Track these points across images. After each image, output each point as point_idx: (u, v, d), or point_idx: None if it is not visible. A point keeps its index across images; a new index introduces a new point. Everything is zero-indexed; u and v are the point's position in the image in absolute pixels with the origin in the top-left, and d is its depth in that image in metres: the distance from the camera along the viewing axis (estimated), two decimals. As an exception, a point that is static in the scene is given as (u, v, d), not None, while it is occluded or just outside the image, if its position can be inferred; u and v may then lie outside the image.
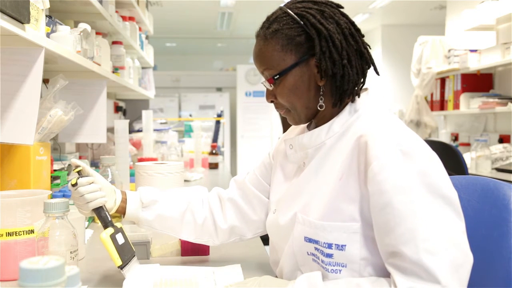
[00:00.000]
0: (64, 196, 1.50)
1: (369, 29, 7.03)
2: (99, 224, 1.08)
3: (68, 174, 1.78)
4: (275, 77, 1.00)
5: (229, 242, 1.22)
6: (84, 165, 1.10)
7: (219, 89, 8.56)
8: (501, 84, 3.99)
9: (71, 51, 1.53)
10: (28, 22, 1.14)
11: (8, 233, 1.06)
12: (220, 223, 1.20)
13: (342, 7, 1.03)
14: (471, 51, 3.98)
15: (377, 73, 1.03)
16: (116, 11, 2.40)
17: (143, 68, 3.52)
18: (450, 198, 0.86)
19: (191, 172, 3.10)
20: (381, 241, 0.88)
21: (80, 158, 2.21)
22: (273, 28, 0.99)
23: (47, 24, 1.44)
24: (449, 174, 0.92)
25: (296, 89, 0.99)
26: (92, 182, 1.07)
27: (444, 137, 4.59)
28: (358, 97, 1.01)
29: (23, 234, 1.07)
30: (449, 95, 4.27)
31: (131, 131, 3.32)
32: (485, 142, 3.54)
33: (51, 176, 1.60)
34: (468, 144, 4.19)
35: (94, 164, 2.54)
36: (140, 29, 3.16)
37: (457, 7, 4.60)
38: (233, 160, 8.23)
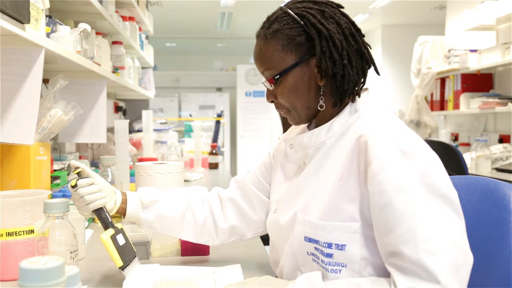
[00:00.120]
0: (64, 196, 1.50)
1: (369, 29, 7.03)
2: (99, 224, 1.08)
3: (68, 174, 1.79)
4: (276, 77, 1.00)
5: (229, 242, 1.22)
6: (84, 166, 1.10)
7: (219, 89, 8.56)
8: (501, 84, 3.99)
9: (71, 51, 1.53)
10: (28, 22, 1.14)
11: (8, 233, 1.06)
12: (221, 223, 1.20)
13: (343, 7, 1.03)
14: (471, 51, 3.98)
15: (378, 73, 1.03)
16: (116, 11, 2.40)
17: (143, 68, 3.52)
18: (450, 198, 0.86)
19: (191, 172, 3.10)
20: (381, 241, 0.88)
21: (80, 158, 2.21)
22: (273, 28, 0.99)
23: (47, 24, 1.44)
24: (449, 174, 0.92)
25: (296, 89, 0.99)
26: (92, 184, 1.07)
27: (444, 137, 4.59)
28: (359, 97, 1.01)
29: (23, 234, 1.07)
30: (449, 95, 4.27)
31: (131, 131, 3.32)
32: (485, 142, 3.54)
33: (51, 176, 1.60)
34: (468, 144, 4.19)
35: (94, 164, 2.54)
36: (140, 29, 3.16)
37: (457, 7, 4.60)
38: (233, 160, 8.24)
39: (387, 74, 6.68)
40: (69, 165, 1.88)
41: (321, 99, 1.00)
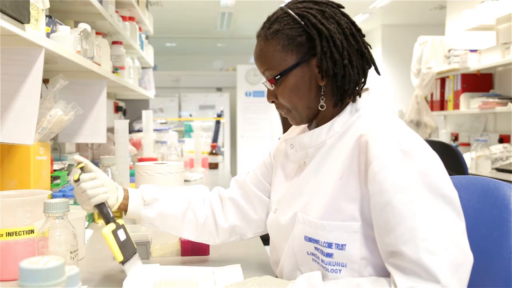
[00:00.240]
0: (64, 196, 1.50)
1: (369, 29, 7.03)
2: (100, 224, 1.08)
3: (68, 174, 1.79)
4: (276, 78, 1.00)
5: (230, 241, 1.23)
6: (87, 161, 1.11)
7: (219, 89, 8.56)
8: (501, 84, 3.99)
9: (71, 51, 1.53)
10: (28, 22, 1.14)
11: (8, 233, 1.06)
12: (221, 222, 1.20)
13: (343, 7, 1.03)
14: (471, 51, 3.98)
15: (378, 73, 1.03)
16: (116, 11, 2.40)
17: (143, 68, 3.52)
18: (450, 197, 0.86)
19: (191, 172, 3.10)
20: (381, 240, 0.88)
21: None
22: (274, 29, 0.99)
23: (47, 24, 1.44)
24: (449, 174, 0.92)
25: (297, 89, 0.99)
26: (95, 178, 1.08)
27: (444, 137, 4.59)
28: (359, 97, 1.01)
29: (23, 234, 1.07)
30: (449, 95, 4.27)
31: (131, 131, 3.32)
32: (485, 142, 3.54)
33: (51, 176, 1.60)
34: (468, 144, 4.19)
35: (94, 164, 2.53)
36: (140, 29, 3.16)
37: (457, 7, 4.60)
38: (233, 160, 8.23)
39: (387, 74, 6.68)
40: (69, 165, 1.88)
41: (322, 99, 1.00)
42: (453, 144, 4.22)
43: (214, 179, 3.12)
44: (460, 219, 0.87)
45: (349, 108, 1.01)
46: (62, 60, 1.58)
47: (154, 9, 5.77)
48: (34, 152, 1.40)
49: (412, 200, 0.84)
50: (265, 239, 1.33)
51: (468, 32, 4.13)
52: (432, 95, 4.54)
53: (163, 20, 6.40)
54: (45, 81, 1.69)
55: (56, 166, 1.75)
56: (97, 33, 2.03)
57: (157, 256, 1.29)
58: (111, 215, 1.07)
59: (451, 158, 2.67)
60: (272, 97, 1.04)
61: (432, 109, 4.54)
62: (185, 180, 2.68)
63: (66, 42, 1.51)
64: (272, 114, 7.55)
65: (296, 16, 0.97)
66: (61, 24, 1.56)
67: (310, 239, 0.96)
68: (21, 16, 1.10)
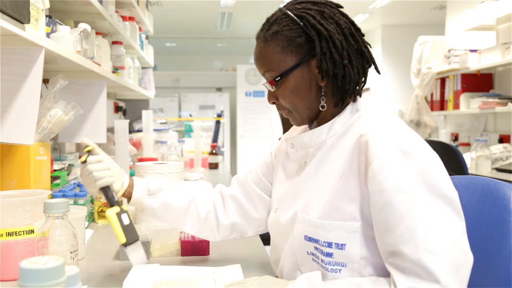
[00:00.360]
0: (64, 196, 1.50)
1: (369, 29, 7.03)
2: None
3: (68, 174, 1.78)
4: (277, 79, 1.00)
5: (230, 238, 1.23)
6: (95, 145, 1.11)
7: (219, 89, 8.56)
8: (501, 84, 3.99)
9: (71, 51, 1.53)
10: (28, 22, 1.14)
11: (8, 233, 1.06)
12: (222, 219, 1.21)
13: (342, 7, 1.03)
14: (471, 51, 3.98)
15: (378, 71, 1.03)
16: (116, 11, 2.40)
17: (143, 68, 3.52)
18: (450, 197, 0.86)
19: (191, 172, 3.10)
20: (381, 240, 0.88)
21: (80, 158, 2.21)
22: (273, 30, 0.99)
23: (47, 24, 1.44)
24: (449, 174, 0.92)
25: (297, 90, 1.00)
26: (102, 162, 1.09)
27: (444, 137, 4.59)
28: (360, 96, 1.01)
29: (23, 234, 1.07)
30: (449, 95, 4.27)
31: (131, 131, 3.32)
32: (485, 142, 3.54)
33: (51, 176, 1.60)
34: (468, 144, 4.19)
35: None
36: (140, 29, 3.16)
37: (457, 7, 4.60)
38: (233, 160, 8.23)
39: (387, 74, 6.68)
40: (69, 165, 1.88)
41: (323, 100, 1.00)
42: (453, 144, 4.22)
43: (214, 179, 3.12)
44: (460, 219, 0.87)
45: (349, 108, 1.01)
46: (62, 60, 1.58)
47: (154, 9, 5.77)
48: (34, 152, 1.40)
49: (412, 200, 0.84)
50: (265, 239, 1.33)
51: (468, 32, 4.13)
52: (432, 95, 4.54)
53: (163, 20, 6.40)
54: (45, 81, 1.69)
55: (56, 166, 1.75)
56: (97, 33, 2.03)
57: (157, 256, 1.29)
58: (116, 199, 1.08)
59: (451, 158, 2.67)
60: (273, 98, 1.04)
61: (432, 109, 4.54)
62: (185, 180, 2.68)
63: (66, 42, 1.51)
64: (272, 114, 7.56)
65: (295, 17, 0.97)
66: (61, 24, 1.56)
67: (310, 239, 0.96)
68: (21, 16, 1.10)
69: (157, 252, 1.30)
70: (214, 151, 3.68)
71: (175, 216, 1.18)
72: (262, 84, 1.08)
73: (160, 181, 1.19)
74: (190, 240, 1.29)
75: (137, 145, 3.06)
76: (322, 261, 0.94)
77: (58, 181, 1.65)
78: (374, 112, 0.99)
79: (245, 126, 7.87)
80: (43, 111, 1.43)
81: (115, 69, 2.42)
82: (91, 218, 1.68)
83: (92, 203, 1.69)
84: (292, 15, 0.98)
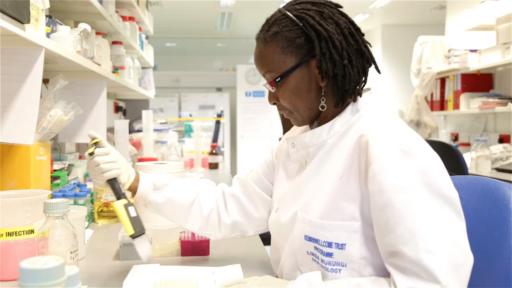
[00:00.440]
0: (64, 196, 1.50)
1: (369, 29, 7.03)
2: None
3: (68, 174, 1.78)
4: (277, 80, 1.00)
5: (231, 237, 1.23)
6: (102, 138, 1.12)
7: (219, 89, 8.56)
8: (501, 84, 3.99)
9: (71, 51, 1.53)
10: (28, 22, 1.14)
11: (8, 233, 1.06)
12: (224, 217, 1.21)
13: (341, 7, 1.03)
14: (471, 51, 3.98)
15: (378, 71, 1.03)
16: (116, 11, 2.40)
17: (143, 68, 3.52)
18: (450, 197, 0.86)
19: (191, 172, 3.10)
20: (381, 240, 0.88)
21: (80, 158, 2.21)
22: (272, 31, 0.99)
23: (47, 24, 1.44)
24: (449, 174, 0.92)
25: (297, 90, 1.00)
26: (109, 154, 1.09)
27: (444, 137, 4.59)
28: (360, 96, 1.01)
29: (23, 234, 1.07)
30: (449, 95, 4.27)
31: (131, 131, 3.32)
32: (485, 142, 3.54)
33: (51, 176, 1.60)
34: (468, 144, 4.19)
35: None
36: (140, 29, 3.16)
37: (457, 7, 4.60)
38: (233, 160, 8.24)
39: (387, 74, 6.68)
40: (69, 164, 1.88)
41: (323, 100, 1.00)
42: (453, 144, 4.22)
43: (214, 179, 3.10)
44: (460, 219, 0.87)
45: (350, 108, 1.01)
46: (62, 60, 1.58)
47: (154, 9, 5.77)
48: (34, 152, 1.40)
49: (412, 200, 0.84)
50: (265, 239, 1.33)
51: (468, 32, 4.13)
52: (432, 95, 4.54)
53: (163, 20, 6.40)
54: (45, 81, 1.69)
55: (56, 166, 1.75)
56: (97, 33, 2.03)
57: (157, 256, 1.29)
58: (123, 191, 1.08)
59: (451, 158, 2.67)
60: (273, 99, 1.04)
61: (432, 109, 4.54)
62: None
63: (66, 42, 1.51)
64: (272, 114, 7.56)
65: (294, 18, 0.97)
66: (61, 24, 1.56)
67: (310, 239, 0.96)
68: (21, 16, 1.10)
69: (157, 252, 1.30)
70: (214, 151, 3.68)
71: (178, 213, 1.18)
72: (262, 85, 1.08)
73: (165, 177, 1.19)
74: (190, 240, 1.30)
75: (137, 145, 3.06)
76: (322, 261, 0.94)
77: (58, 181, 1.65)
78: (374, 112, 0.99)
79: (245, 126, 7.87)
80: (43, 111, 1.43)
81: (115, 69, 2.42)
82: (91, 218, 1.68)
83: (92, 203, 1.69)
84: (291, 15, 0.98)
